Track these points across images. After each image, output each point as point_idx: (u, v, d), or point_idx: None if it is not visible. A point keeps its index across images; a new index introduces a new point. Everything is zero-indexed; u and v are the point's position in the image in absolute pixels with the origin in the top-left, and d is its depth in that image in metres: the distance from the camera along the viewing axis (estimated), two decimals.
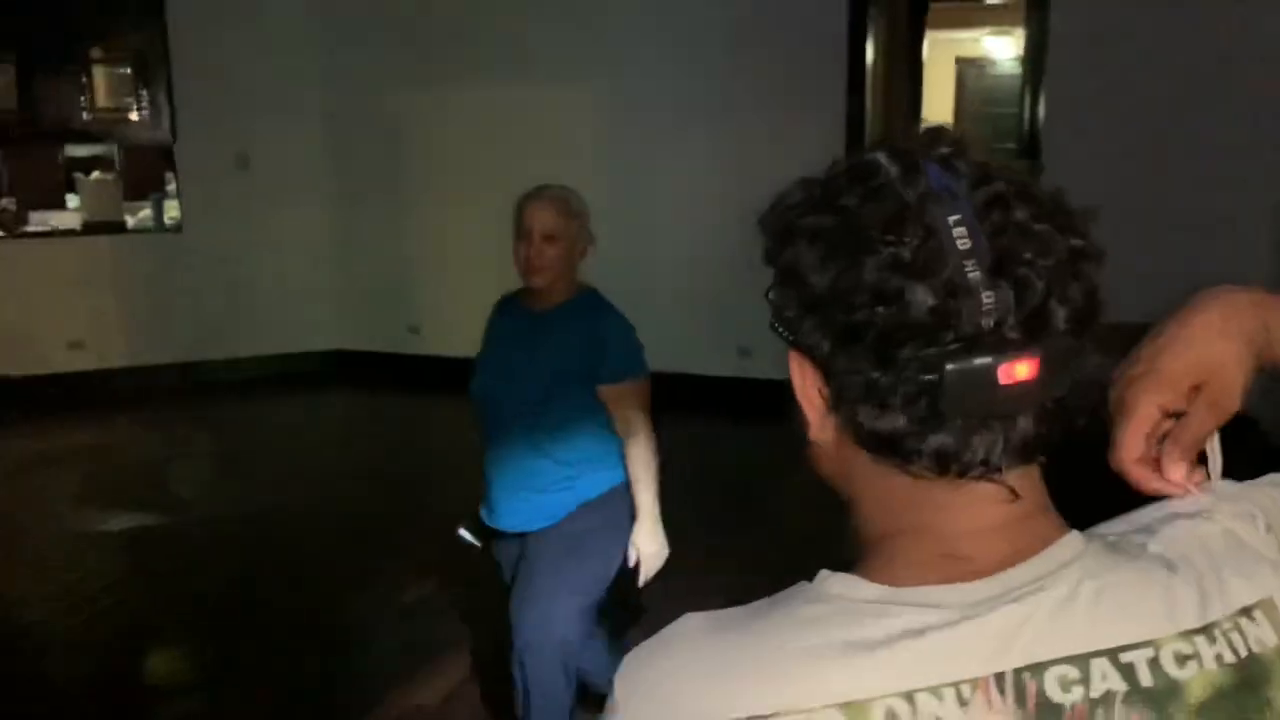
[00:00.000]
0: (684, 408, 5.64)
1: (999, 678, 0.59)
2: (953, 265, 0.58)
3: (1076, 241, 0.62)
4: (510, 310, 2.51)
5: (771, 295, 0.66)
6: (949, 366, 0.58)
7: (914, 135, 0.67)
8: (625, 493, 2.38)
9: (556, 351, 2.33)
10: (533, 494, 2.36)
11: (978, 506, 0.64)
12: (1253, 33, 4.56)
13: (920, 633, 0.59)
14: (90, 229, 6.36)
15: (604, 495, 2.38)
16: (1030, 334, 0.59)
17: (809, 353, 0.65)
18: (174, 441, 5.61)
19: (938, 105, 10.34)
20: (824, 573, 0.66)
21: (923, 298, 0.58)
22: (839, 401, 0.64)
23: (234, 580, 3.80)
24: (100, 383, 6.10)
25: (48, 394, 5.94)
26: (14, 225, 6.34)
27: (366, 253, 6.50)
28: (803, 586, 0.66)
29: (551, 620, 2.28)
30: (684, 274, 5.76)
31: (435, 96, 6.10)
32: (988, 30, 9.55)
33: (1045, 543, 0.64)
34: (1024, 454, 0.63)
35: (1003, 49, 9.72)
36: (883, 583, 0.64)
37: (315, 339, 6.58)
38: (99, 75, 6.37)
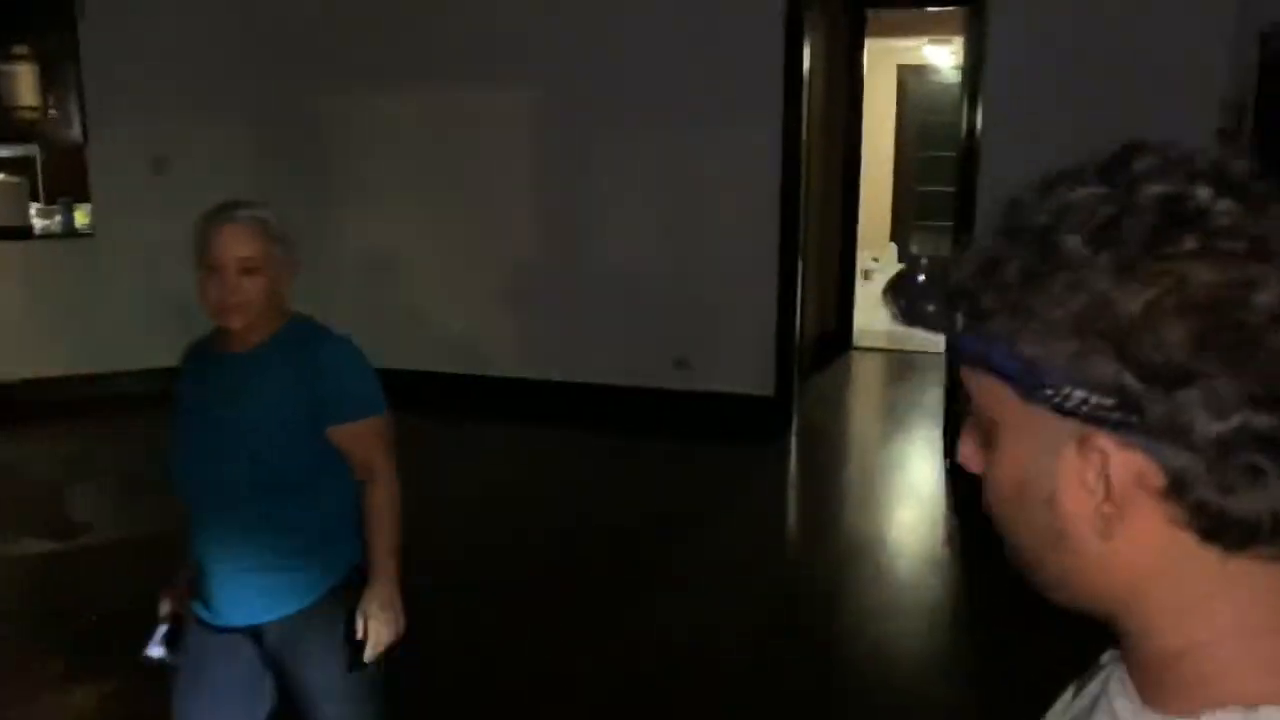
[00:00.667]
0: (621, 420, 5.53)
1: None
2: None
3: None
4: (203, 357, 2.01)
5: (1019, 355, 0.56)
6: None
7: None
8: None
9: (272, 396, 1.89)
10: (268, 574, 1.91)
11: None
12: (1187, 41, 4.52)
13: None
14: None
15: (353, 570, 1.96)
16: None
17: (1145, 437, 0.53)
18: (80, 459, 5.33)
19: (880, 113, 10.31)
20: (1219, 714, 0.55)
21: None
22: (1185, 493, 0.54)
23: (123, 614, 3.55)
24: (2, 396, 5.80)
25: None
26: None
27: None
28: None
29: None
30: (620, 284, 5.61)
31: (363, 98, 5.89)
32: (928, 38, 9.53)
33: None
34: None
35: (943, 57, 9.70)
36: None
37: None
38: (8, 75, 6.07)
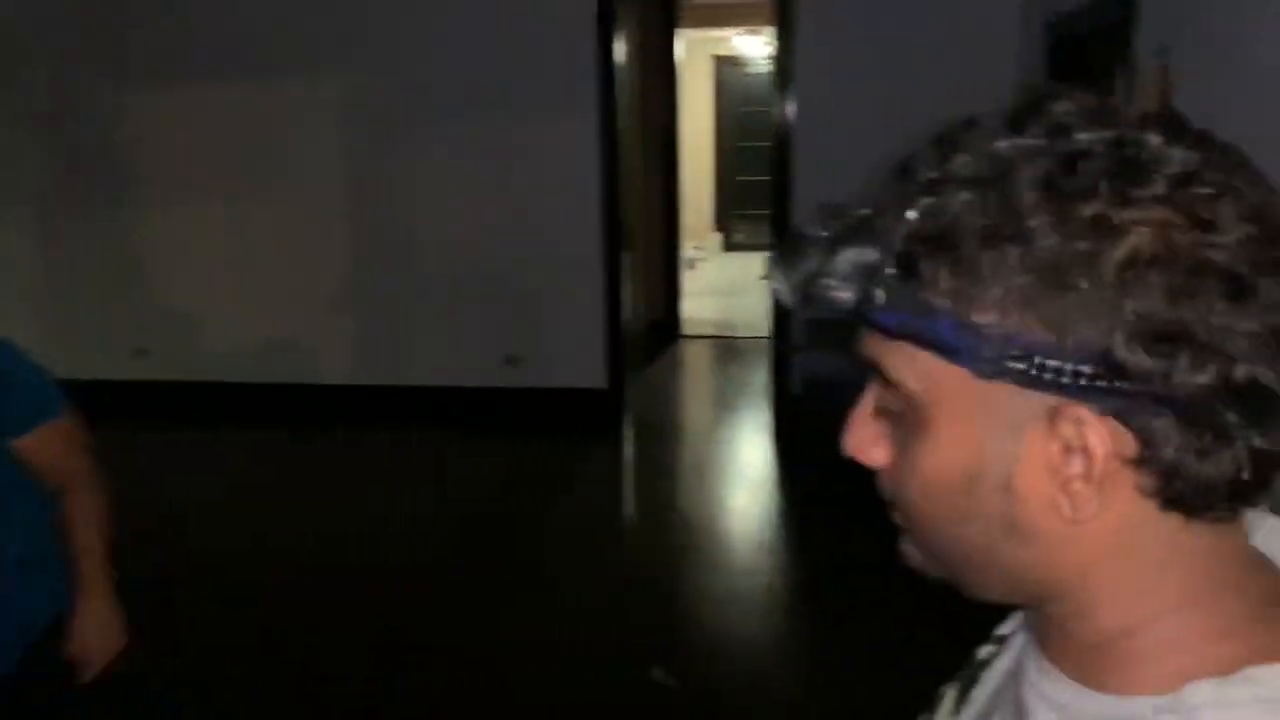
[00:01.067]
0: (450, 422, 5.40)
1: None
2: None
3: None
4: None
5: (972, 326, 0.51)
6: None
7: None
8: None
9: None
10: None
11: (1243, 537, 0.57)
12: (981, 30, 4.72)
13: None
14: None
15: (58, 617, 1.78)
16: None
17: (1129, 403, 0.50)
18: None
19: (698, 104, 10.47)
20: (1196, 686, 0.52)
21: None
22: (1158, 458, 0.51)
23: None
24: None
25: None
26: None
27: (80, 269, 5.82)
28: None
29: None
30: (443, 282, 5.48)
31: (162, 94, 5.53)
32: (742, 29, 9.72)
33: None
34: None
35: (756, 48, 9.91)
36: None
37: None
38: None
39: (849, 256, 0.54)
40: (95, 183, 5.70)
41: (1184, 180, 0.49)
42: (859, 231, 0.54)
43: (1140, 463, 0.51)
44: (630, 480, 5.20)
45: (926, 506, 0.57)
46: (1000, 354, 0.50)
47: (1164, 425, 0.49)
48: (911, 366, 0.55)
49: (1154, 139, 0.51)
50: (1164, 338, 0.48)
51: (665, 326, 7.56)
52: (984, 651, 0.71)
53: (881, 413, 0.59)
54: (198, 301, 5.73)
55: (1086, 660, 0.56)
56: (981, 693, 0.68)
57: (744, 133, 11.07)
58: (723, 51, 10.58)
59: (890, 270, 0.53)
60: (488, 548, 4.03)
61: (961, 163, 0.52)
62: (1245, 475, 0.50)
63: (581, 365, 5.43)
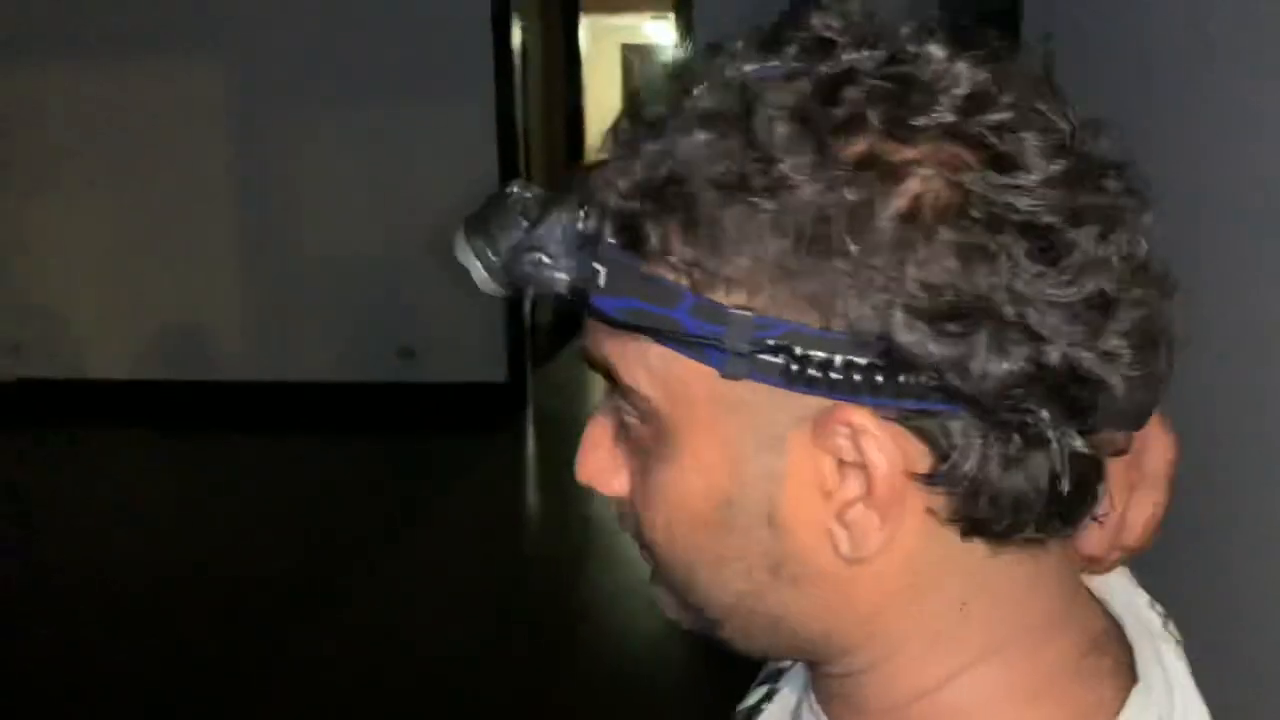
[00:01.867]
0: (341, 419, 5.21)
1: None
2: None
3: None
4: None
5: (715, 308, 0.39)
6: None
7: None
8: None
9: None
10: None
11: (1067, 568, 0.47)
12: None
13: None
14: None
15: None
16: None
17: (916, 402, 0.38)
18: None
19: (605, 93, 10.36)
20: None
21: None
22: (955, 472, 0.39)
23: None
24: None
25: None
26: None
27: None
28: None
29: None
30: (333, 274, 5.28)
31: (27, 78, 5.23)
32: (648, 15, 9.61)
33: None
34: None
35: (665, 34, 9.82)
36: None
37: None
38: None
39: (560, 221, 0.42)
40: None
41: (975, 104, 0.38)
42: (574, 189, 0.42)
43: (933, 479, 0.39)
44: (530, 475, 5.10)
45: (675, 545, 0.45)
46: (751, 344, 0.39)
47: (961, 428, 0.38)
48: (645, 366, 0.42)
49: (937, 52, 0.40)
50: (957, 314, 0.37)
51: (570, 320, 7.45)
52: (754, 696, 0.59)
53: (622, 428, 0.47)
54: (74, 298, 5.45)
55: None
56: None
57: None
58: (632, 40, 10.48)
59: (610, 239, 0.41)
60: (379, 546, 3.89)
61: (697, 95, 0.41)
62: (1064, 487, 0.39)
63: (481, 358, 5.30)
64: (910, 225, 0.37)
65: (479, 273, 0.44)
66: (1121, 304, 0.38)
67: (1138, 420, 0.41)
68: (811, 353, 0.38)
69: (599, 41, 8.85)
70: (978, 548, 0.42)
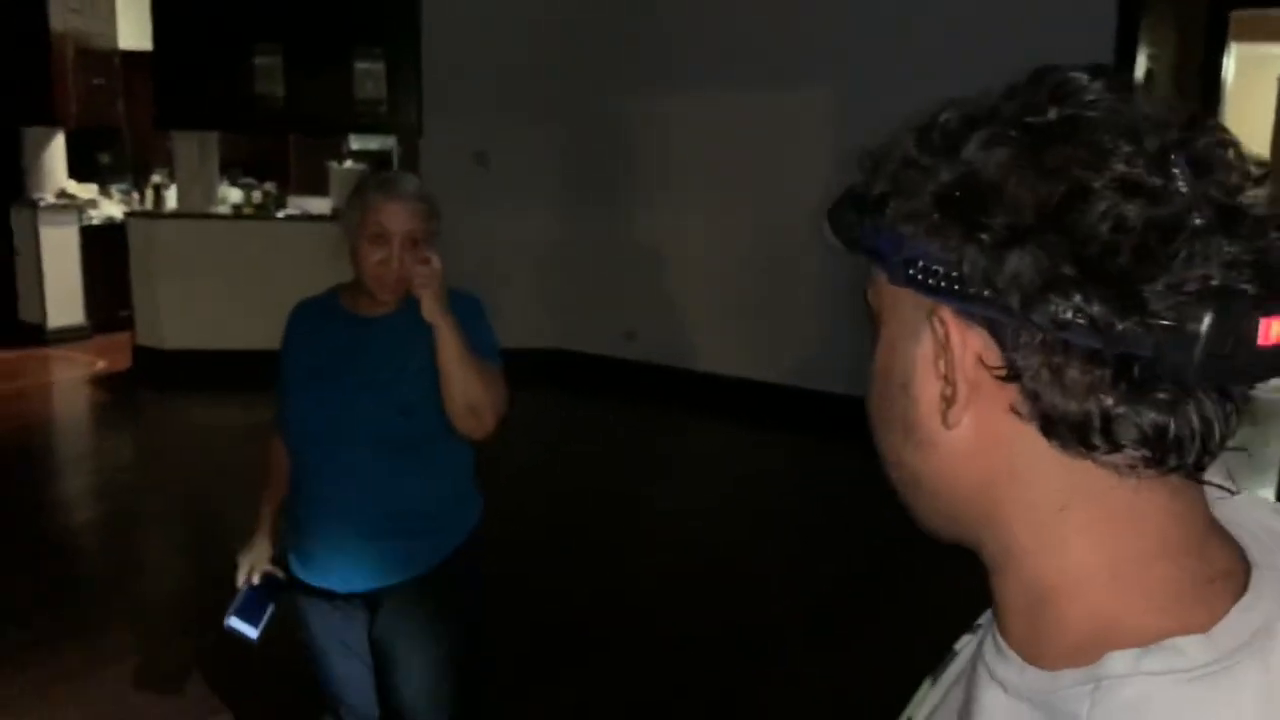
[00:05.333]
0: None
1: None
2: (1180, 204, 0.47)
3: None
4: (333, 315, 2.00)
5: (898, 237, 0.53)
6: (1209, 316, 0.45)
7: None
8: (480, 528, 2.04)
9: (423, 351, 1.85)
10: (397, 541, 1.92)
11: (1195, 510, 0.52)
12: None
13: None
14: (339, 215, 6.65)
15: (473, 532, 2.02)
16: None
17: (982, 307, 0.49)
18: None
19: (1253, 126, 9.10)
20: (1115, 656, 0.48)
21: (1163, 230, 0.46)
22: (1019, 371, 0.50)
23: None
24: None
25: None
26: (273, 209, 6.77)
27: (587, 254, 6.45)
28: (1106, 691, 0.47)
29: (443, 707, 1.96)
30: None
31: (661, 100, 6.01)
32: None
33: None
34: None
35: None
36: (1187, 630, 0.48)
37: (533, 338, 6.58)
38: (358, 70, 6.64)
39: (855, 192, 0.57)
40: (601, 179, 6.30)
41: (1084, 105, 0.50)
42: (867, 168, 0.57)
43: (1008, 379, 0.49)
44: None
45: (869, 411, 0.59)
46: (899, 257, 0.52)
47: (1026, 342, 0.48)
48: (872, 282, 0.57)
49: (1080, 76, 0.51)
50: (1017, 245, 0.47)
51: None
52: (960, 642, 0.68)
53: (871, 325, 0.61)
54: (680, 289, 6.10)
55: (1026, 631, 0.53)
56: (948, 677, 0.65)
57: None
58: None
59: (863, 194, 0.55)
60: None
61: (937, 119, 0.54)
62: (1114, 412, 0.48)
63: None
64: (1000, 175, 0.49)
65: (831, 232, 0.60)
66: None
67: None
68: (932, 267, 0.51)
69: (1251, 71, 7.77)
70: (1078, 461, 0.49)
